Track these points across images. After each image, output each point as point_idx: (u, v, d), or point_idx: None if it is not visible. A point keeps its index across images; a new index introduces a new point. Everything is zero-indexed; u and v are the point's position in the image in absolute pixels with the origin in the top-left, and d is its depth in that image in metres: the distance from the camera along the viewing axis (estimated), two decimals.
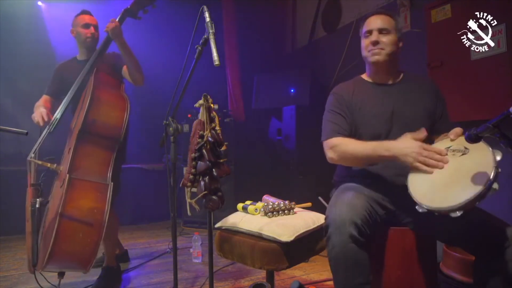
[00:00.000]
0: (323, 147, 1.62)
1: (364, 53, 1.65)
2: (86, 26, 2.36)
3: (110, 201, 1.92)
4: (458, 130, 1.40)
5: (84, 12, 2.42)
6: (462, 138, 1.37)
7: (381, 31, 1.60)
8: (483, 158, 1.22)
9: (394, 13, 1.69)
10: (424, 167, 1.32)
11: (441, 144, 1.42)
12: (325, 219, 1.35)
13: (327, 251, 1.33)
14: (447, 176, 1.29)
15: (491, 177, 1.16)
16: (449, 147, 1.37)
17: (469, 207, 1.17)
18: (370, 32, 1.62)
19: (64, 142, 2.22)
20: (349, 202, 1.34)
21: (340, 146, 1.53)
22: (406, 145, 1.37)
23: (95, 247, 1.85)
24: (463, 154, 1.32)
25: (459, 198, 1.17)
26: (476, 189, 1.15)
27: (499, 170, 1.17)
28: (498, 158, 1.19)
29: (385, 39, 1.59)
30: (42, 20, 3.87)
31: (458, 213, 1.17)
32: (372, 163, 1.53)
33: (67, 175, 1.85)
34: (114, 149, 2.06)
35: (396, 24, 1.62)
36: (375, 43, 1.59)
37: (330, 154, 1.57)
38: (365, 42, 1.64)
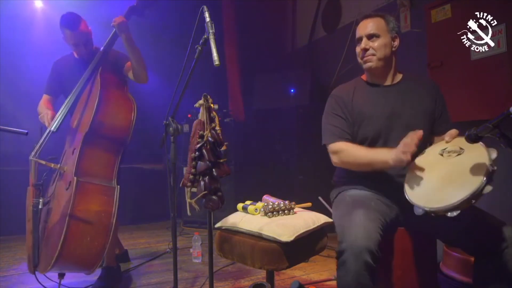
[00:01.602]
0: (327, 150, 1.64)
1: (358, 59, 1.68)
2: (75, 46, 2.24)
3: (117, 204, 1.91)
4: (453, 131, 1.40)
5: (66, 25, 2.15)
6: (458, 139, 1.37)
7: (370, 37, 1.60)
8: (478, 157, 1.22)
9: (386, 13, 1.67)
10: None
11: (436, 147, 1.43)
12: (340, 242, 1.31)
13: (337, 275, 1.30)
14: (443, 177, 1.30)
15: (485, 176, 1.16)
16: (444, 149, 1.38)
17: (465, 206, 1.17)
18: (360, 39, 1.64)
19: (63, 140, 2.18)
20: (362, 224, 1.31)
21: (343, 153, 1.56)
22: (393, 150, 1.39)
23: (102, 250, 1.84)
24: (458, 155, 1.32)
25: (454, 198, 1.18)
26: (471, 189, 1.16)
27: (495, 168, 1.17)
28: (494, 156, 1.19)
29: (375, 44, 1.59)
30: (42, 19, 3.87)
31: (455, 213, 1.17)
32: (373, 170, 1.53)
33: (75, 178, 1.83)
34: (120, 152, 2.04)
35: (388, 24, 1.61)
36: (365, 50, 1.61)
37: (334, 159, 1.61)
38: (357, 49, 1.66)
